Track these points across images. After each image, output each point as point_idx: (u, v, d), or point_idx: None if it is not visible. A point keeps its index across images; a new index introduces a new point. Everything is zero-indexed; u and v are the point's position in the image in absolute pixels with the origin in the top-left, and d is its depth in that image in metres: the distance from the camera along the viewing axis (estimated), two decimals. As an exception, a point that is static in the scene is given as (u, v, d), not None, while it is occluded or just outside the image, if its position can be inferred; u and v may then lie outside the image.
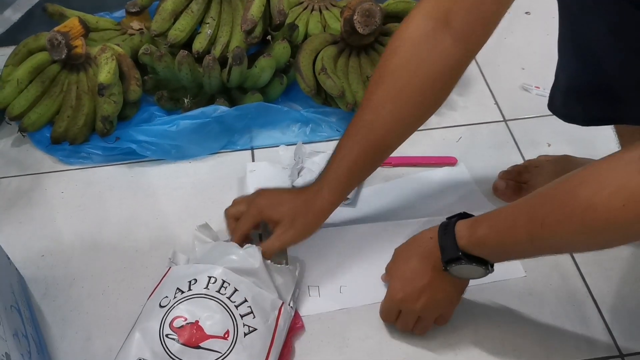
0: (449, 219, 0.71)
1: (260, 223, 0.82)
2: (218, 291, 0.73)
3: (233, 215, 0.83)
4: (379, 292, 0.80)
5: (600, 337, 0.78)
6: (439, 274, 0.71)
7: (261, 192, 0.83)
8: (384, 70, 0.73)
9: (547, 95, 1.09)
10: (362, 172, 0.78)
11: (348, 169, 0.76)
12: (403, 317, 0.76)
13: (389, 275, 0.79)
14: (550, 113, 1.07)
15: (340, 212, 0.91)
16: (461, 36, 0.69)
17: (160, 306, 0.73)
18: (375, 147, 0.75)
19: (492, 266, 0.69)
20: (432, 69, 0.71)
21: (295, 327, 0.78)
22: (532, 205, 0.62)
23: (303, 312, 0.81)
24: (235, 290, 0.74)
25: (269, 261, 0.79)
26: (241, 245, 0.79)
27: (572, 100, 0.71)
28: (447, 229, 0.70)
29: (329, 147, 1.02)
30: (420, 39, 0.70)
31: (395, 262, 0.78)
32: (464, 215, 0.71)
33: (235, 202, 0.86)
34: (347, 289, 0.83)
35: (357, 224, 0.91)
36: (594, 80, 0.66)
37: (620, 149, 0.82)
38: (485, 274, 0.69)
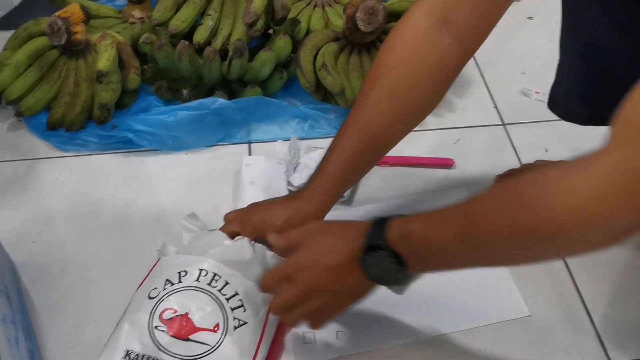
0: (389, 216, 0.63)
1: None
2: (209, 284, 0.73)
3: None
4: (380, 337, 0.77)
5: (590, 344, 0.79)
6: (351, 264, 0.63)
7: (252, 208, 0.79)
8: (382, 67, 0.72)
9: (547, 100, 1.10)
10: (355, 171, 0.76)
11: (342, 169, 0.74)
12: (288, 289, 0.66)
13: (298, 239, 0.67)
14: (549, 119, 1.07)
15: (336, 209, 0.91)
16: (461, 36, 0.69)
17: (150, 297, 0.73)
18: (370, 146, 0.73)
19: (408, 275, 0.61)
20: (431, 68, 0.70)
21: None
22: (472, 202, 0.55)
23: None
24: (227, 283, 0.73)
25: (268, 252, 0.78)
26: None
27: (574, 98, 0.71)
28: (381, 220, 0.62)
29: (327, 143, 1.00)
30: (420, 37, 0.69)
31: (313, 231, 0.68)
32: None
33: (228, 220, 0.80)
34: (344, 335, 0.78)
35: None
36: (598, 79, 0.66)
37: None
38: (397, 279, 0.62)
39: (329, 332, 0.78)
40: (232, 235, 0.78)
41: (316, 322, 0.69)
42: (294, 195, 0.78)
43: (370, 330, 0.79)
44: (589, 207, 0.46)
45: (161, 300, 0.72)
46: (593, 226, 0.47)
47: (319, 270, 0.64)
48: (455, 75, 0.72)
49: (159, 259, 0.80)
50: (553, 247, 0.51)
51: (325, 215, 0.76)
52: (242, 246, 0.76)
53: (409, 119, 0.74)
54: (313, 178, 0.75)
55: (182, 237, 0.83)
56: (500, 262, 0.62)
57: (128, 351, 0.69)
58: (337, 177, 0.74)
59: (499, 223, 0.52)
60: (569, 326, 0.80)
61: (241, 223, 0.78)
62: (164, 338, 0.69)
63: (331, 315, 0.68)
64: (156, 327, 0.70)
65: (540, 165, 0.51)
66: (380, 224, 0.62)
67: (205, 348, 0.70)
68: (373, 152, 0.75)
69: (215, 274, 0.74)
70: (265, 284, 0.70)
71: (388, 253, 0.60)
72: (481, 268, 0.58)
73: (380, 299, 0.81)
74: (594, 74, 0.67)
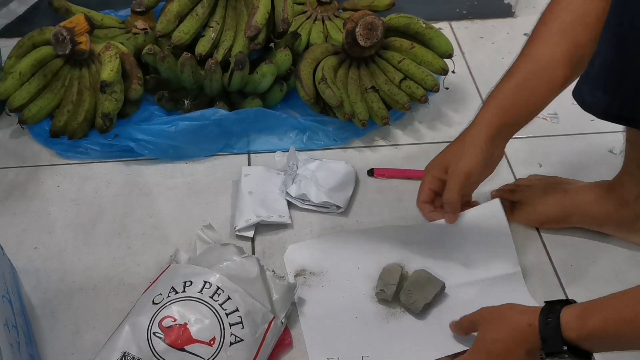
0: (550, 304, 0.67)
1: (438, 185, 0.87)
2: (211, 297, 0.74)
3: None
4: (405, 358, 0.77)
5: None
6: (531, 359, 0.68)
7: (438, 157, 0.90)
8: (553, 12, 0.80)
9: (540, 116, 1.11)
10: (522, 98, 0.82)
11: (511, 93, 0.81)
12: None
13: (474, 342, 0.73)
14: (543, 134, 1.09)
15: (332, 220, 0.93)
16: None
17: (153, 303, 0.74)
18: (539, 74, 0.80)
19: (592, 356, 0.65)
20: (598, 13, 0.75)
21: (283, 343, 0.78)
22: None
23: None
24: (229, 298, 0.74)
25: (272, 273, 0.79)
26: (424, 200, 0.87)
27: (599, 90, 0.73)
28: (550, 317, 0.65)
29: (325, 155, 1.04)
30: None
31: (484, 333, 0.72)
32: (567, 302, 0.67)
33: (427, 169, 0.91)
34: (370, 359, 0.77)
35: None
36: (628, 74, 0.68)
37: (624, 158, 0.85)
38: None
39: (354, 358, 0.77)
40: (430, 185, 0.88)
41: None
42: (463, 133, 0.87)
43: (395, 353, 0.77)
44: None
45: (163, 307, 0.73)
46: None
47: None
48: None
49: (169, 265, 0.81)
50: None
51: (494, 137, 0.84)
52: (250, 264, 0.78)
53: (574, 56, 0.79)
54: (481, 109, 0.84)
55: (196, 246, 0.84)
56: None
57: (125, 353, 0.70)
58: (507, 101, 0.82)
59: None
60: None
61: (435, 167, 0.89)
62: (160, 345, 0.70)
63: None
64: (154, 333, 0.71)
65: None
66: (548, 319, 0.65)
67: None
68: (539, 81, 0.81)
69: (218, 288, 0.74)
70: None
71: (570, 355, 0.64)
72: None
73: (403, 319, 0.82)
74: (625, 69, 0.68)
